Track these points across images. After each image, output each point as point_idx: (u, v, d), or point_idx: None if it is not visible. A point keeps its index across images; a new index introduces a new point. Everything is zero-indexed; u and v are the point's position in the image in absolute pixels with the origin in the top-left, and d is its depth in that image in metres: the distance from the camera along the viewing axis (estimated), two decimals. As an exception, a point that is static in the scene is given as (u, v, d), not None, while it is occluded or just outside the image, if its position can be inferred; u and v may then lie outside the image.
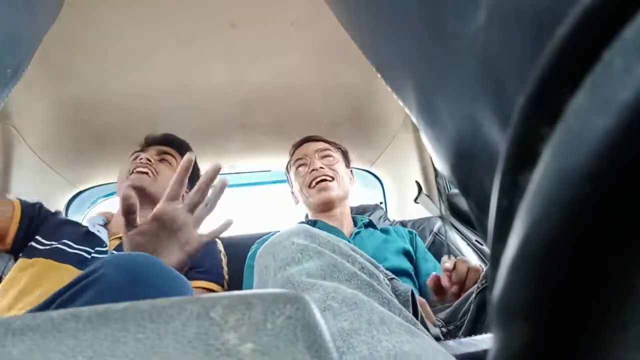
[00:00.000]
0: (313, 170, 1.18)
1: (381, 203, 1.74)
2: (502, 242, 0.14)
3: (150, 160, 1.07)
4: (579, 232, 0.11)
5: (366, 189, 1.92)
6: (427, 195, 1.51)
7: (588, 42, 0.11)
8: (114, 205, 1.47)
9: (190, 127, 1.37)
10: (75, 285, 0.51)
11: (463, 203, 1.28)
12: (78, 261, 0.92)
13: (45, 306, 0.51)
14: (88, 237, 1.00)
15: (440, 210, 1.44)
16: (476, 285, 0.71)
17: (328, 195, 1.16)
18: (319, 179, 1.17)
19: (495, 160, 0.15)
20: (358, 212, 1.47)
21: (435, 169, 1.50)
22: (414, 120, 0.27)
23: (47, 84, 1.26)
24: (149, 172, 1.05)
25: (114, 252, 0.94)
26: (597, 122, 0.10)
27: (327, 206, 1.18)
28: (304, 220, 1.25)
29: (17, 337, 0.16)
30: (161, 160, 1.11)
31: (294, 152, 1.30)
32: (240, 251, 1.14)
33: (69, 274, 0.88)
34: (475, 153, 0.20)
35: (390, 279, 0.57)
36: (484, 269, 0.83)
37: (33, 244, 0.98)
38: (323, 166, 1.19)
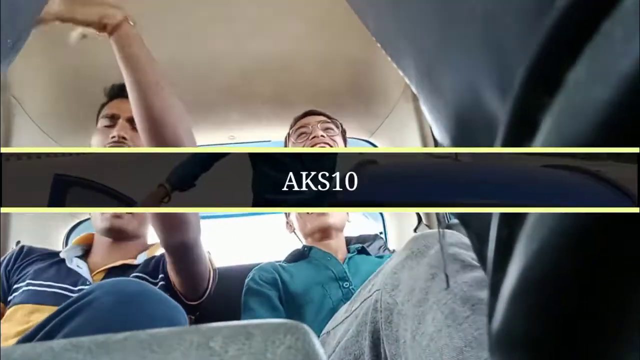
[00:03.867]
0: (314, 137, 1.21)
1: (381, 233, 1.73)
2: (502, 270, 0.14)
3: (125, 138, 0.92)
4: (580, 259, 0.11)
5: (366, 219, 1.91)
6: (427, 225, 1.50)
7: (588, 12, 0.11)
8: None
9: (189, 98, 1.31)
10: (67, 310, 0.50)
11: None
12: (61, 301, 0.83)
13: (37, 331, 0.50)
14: (69, 274, 0.91)
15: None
16: None
17: (325, 221, 1.17)
18: (320, 144, 1.19)
19: (496, 130, 0.15)
20: (358, 242, 1.46)
21: (435, 140, 1.49)
22: (414, 90, 0.27)
23: (47, 53, 1.23)
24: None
25: None
26: (596, 92, 0.10)
27: (324, 233, 1.19)
28: (299, 248, 1.24)
29: (14, 368, 0.15)
30: (134, 128, 0.92)
31: (294, 123, 1.32)
32: (236, 281, 1.12)
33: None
34: (475, 122, 0.20)
35: None
36: None
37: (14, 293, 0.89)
38: (324, 135, 1.22)
